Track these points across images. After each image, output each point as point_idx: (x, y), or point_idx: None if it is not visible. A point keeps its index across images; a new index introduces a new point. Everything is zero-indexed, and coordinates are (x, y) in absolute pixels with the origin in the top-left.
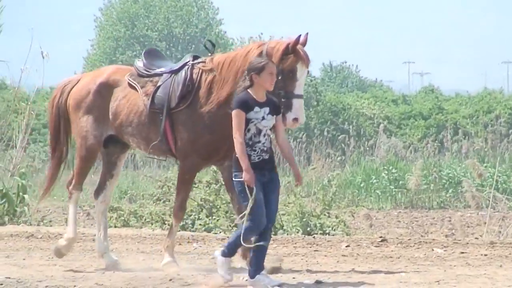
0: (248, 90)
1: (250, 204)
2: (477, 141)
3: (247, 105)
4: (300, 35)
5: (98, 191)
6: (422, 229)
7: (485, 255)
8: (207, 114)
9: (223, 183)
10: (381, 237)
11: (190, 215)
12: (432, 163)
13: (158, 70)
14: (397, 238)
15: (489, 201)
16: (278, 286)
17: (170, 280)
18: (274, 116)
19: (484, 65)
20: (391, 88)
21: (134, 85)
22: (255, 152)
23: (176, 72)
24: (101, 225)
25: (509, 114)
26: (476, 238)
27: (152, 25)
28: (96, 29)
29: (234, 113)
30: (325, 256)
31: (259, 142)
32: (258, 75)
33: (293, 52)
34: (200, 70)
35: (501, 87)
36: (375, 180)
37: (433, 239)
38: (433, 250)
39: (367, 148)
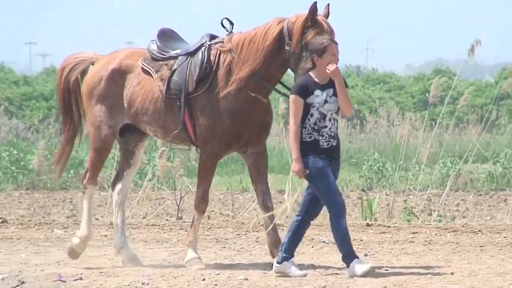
0: (310, 73)
1: (294, 197)
2: None
3: (306, 90)
4: (314, 4)
5: (115, 182)
6: (44, 210)
7: (106, 235)
8: (226, 98)
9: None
10: (1, 218)
11: None
12: (54, 144)
13: (173, 53)
14: (17, 219)
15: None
16: (303, 276)
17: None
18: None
19: None
20: (13, 69)
21: (149, 69)
22: (323, 138)
23: (192, 54)
24: (118, 218)
25: None
26: (96, 219)
27: None
28: None
29: (291, 98)
30: None
31: (326, 127)
32: (319, 57)
33: (314, 24)
34: (218, 51)
35: None
36: None
37: (53, 220)
38: (53, 231)
39: None
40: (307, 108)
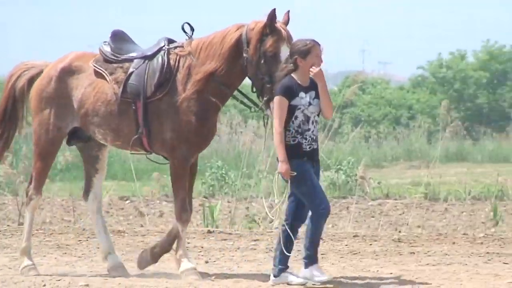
0: (292, 74)
1: (281, 199)
2: None
3: (291, 92)
4: (273, 10)
5: (86, 191)
6: None
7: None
8: (189, 100)
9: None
10: None
11: None
12: None
13: (128, 55)
14: None
15: None
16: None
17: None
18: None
19: None
20: None
21: (101, 71)
22: (306, 141)
23: (150, 57)
24: (99, 225)
25: None
26: None
27: None
28: None
29: (276, 100)
30: None
31: (309, 130)
32: (303, 58)
33: (272, 32)
34: (178, 56)
35: None
36: None
37: None
38: None
39: None
40: (291, 110)
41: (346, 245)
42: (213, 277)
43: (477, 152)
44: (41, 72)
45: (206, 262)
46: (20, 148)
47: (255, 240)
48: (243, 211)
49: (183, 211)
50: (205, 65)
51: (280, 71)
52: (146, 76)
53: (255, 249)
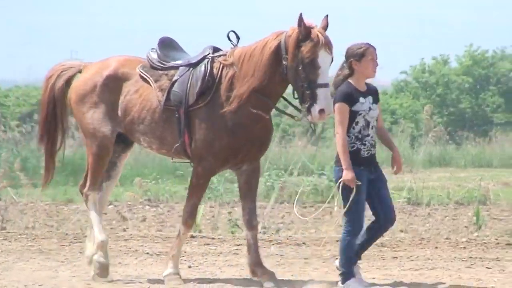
0: (349, 80)
1: (347, 206)
2: None
3: (351, 97)
4: (300, 15)
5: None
6: None
7: None
8: (227, 113)
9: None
10: None
11: None
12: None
13: (174, 63)
14: None
15: None
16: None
17: None
18: (378, 104)
19: None
20: None
21: (147, 78)
22: (365, 146)
23: (194, 65)
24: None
25: None
26: None
27: None
28: None
29: (337, 106)
30: None
31: (368, 135)
32: (358, 61)
33: (309, 38)
34: (221, 65)
35: None
36: None
37: None
38: None
39: None
40: (352, 116)
41: (329, 249)
42: (197, 281)
43: (460, 157)
44: (78, 72)
45: (189, 267)
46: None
47: (238, 245)
48: (226, 215)
49: (191, 217)
50: (248, 78)
51: (336, 77)
52: (189, 84)
53: (237, 253)
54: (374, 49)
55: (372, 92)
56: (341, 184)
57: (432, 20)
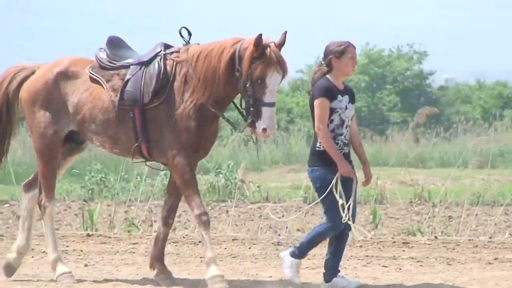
0: (327, 76)
1: (341, 200)
2: None
3: (331, 93)
4: (259, 36)
5: (29, 185)
6: None
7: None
8: (188, 109)
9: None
10: None
11: None
12: None
13: (124, 62)
14: None
15: None
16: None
17: None
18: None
19: None
20: None
21: (98, 79)
22: (337, 146)
23: (146, 63)
24: (25, 224)
25: None
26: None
27: None
28: None
29: (317, 101)
30: None
31: (342, 134)
32: (338, 58)
33: (263, 56)
34: (174, 62)
35: None
36: None
37: None
38: None
39: None
40: (329, 113)
41: (225, 248)
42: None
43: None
44: (32, 73)
45: (86, 265)
46: None
47: (134, 244)
48: (122, 214)
49: (202, 214)
50: (208, 85)
51: (314, 74)
52: (142, 83)
53: (134, 252)
54: (354, 47)
55: (348, 91)
56: (339, 179)
57: (328, 18)
